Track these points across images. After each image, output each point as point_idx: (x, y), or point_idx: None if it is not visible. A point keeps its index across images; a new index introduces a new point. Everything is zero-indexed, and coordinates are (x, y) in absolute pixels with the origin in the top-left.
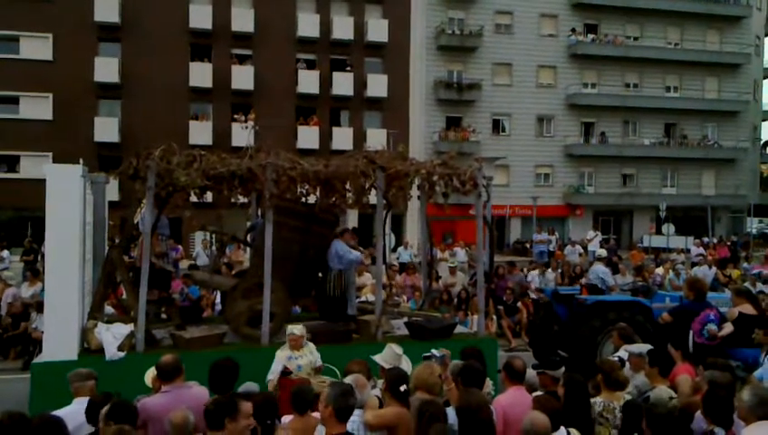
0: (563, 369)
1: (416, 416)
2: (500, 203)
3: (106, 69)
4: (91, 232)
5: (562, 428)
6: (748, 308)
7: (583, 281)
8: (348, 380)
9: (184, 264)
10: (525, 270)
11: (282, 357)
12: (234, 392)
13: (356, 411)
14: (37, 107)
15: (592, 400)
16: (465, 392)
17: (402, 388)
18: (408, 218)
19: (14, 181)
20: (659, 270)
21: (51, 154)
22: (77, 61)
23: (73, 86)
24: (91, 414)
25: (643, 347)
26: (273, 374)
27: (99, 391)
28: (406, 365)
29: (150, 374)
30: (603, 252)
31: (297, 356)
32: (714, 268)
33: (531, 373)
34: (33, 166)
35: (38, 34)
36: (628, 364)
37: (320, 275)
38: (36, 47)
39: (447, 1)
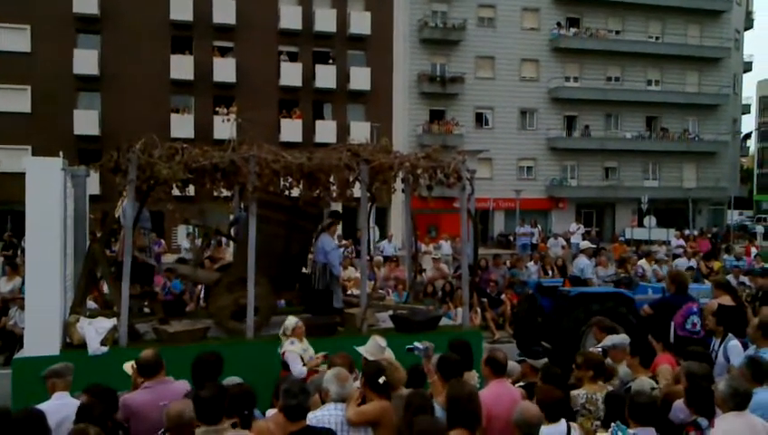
0: (546, 359)
1: (403, 408)
2: (483, 196)
3: (85, 61)
4: (72, 226)
5: (563, 420)
6: (727, 300)
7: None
8: (329, 373)
9: (167, 257)
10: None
11: (297, 351)
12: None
13: (339, 405)
14: (15, 100)
15: (575, 392)
16: (456, 382)
17: (381, 380)
18: (392, 212)
19: None
20: (642, 262)
21: (30, 147)
22: (56, 53)
23: (52, 78)
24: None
25: (620, 338)
26: (305, 368)
27: (82, 386)
28: (390, 357)
29: (130, 362)
30: (587, 244)
31: (305, 348)
32: (692, 260)
33: (513, 365)
34: (11, 159)
35: (16, 26)
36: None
37: (304, 269)
38: (14, 39)
39: None
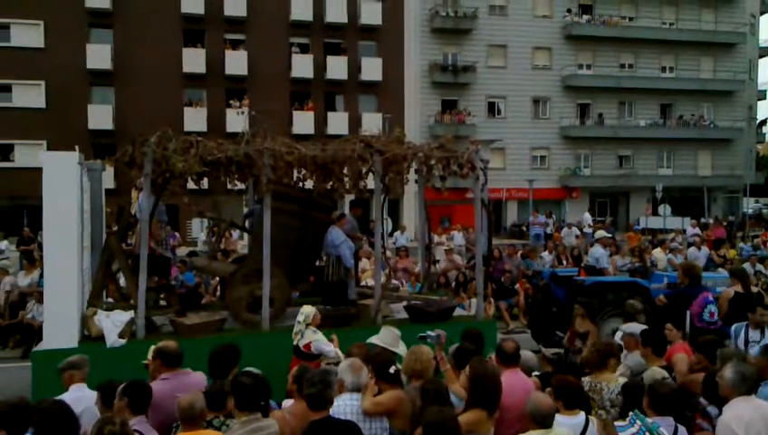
0: (560, 350)
1: (419, 397)
2: (496, 186)
3: (98, 56)
4: (89, 220)
5: (582, 413)
6: (741, 288)
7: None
8: (344, 364)
9: (181, 251)
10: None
11: (322, 339)
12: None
13: (354, 395)
14: (30, 95)
15: (581, 379)
16: (478, 360)
17: (392, 370)
18: (405, 203)
19: (9, 170)
20: (656, 251)
21: (45, 142)
22: (69, 48)
23: (66, 73)
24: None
25: (636, 327)
26: (338, 353)
27: (100, 378)
28: (403, 348)
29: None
30: (603, 233)
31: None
32: (703, 248)
33: (530, 355)
34: (27, 154)
35: (29, 21)
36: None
37: (319, 262)
38: (28, 34)
39: None
